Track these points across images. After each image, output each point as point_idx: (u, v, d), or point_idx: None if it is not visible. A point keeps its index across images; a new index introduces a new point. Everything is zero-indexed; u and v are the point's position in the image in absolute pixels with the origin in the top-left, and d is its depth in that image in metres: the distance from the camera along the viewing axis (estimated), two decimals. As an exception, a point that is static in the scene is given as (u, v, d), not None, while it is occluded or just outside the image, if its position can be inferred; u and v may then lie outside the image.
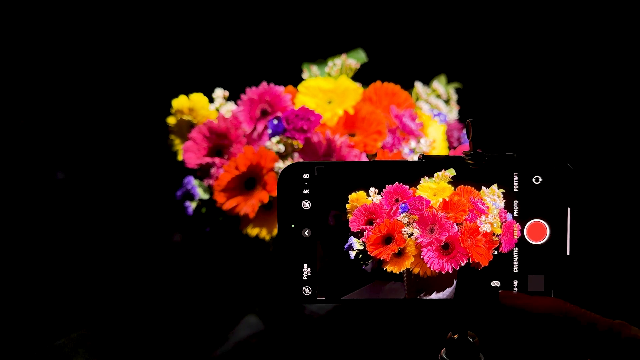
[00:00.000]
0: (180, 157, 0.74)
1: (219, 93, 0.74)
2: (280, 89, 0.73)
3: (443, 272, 0.45)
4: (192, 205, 0.71)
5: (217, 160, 0.71)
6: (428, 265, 0.45)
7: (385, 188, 0.45)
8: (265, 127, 0.72)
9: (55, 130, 0.90)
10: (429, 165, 0.46)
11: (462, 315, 0.48)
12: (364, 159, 0.70)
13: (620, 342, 0.40)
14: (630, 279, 0.85)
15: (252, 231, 0.70)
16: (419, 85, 0.80)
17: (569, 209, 0.45)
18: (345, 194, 0.46)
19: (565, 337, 0.42)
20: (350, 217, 0.45)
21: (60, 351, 0.71)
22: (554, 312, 0.42)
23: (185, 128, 0.75)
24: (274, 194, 0.68)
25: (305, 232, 0.46)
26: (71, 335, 0.73)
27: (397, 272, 0.45)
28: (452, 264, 0.45)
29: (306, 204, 0.46)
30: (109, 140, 0.93)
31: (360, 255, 0.45)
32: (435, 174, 0.45)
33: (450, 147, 0.78)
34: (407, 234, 0.45)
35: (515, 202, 0.45)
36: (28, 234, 0.85)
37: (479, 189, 0.45)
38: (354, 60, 0.77)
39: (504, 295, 0.44)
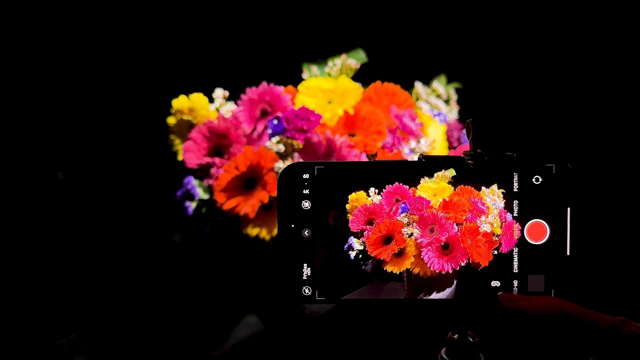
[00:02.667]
0: (180, 157, 0.74)
1: (219, 93, 0.74)
2: (280, 89, 0.73)
3: (443, 272, 0.45)
4: (192, 205, 0.71)
5: (217, 160, 0.71)
6: (428, 265, 0.45)
7: (385, 188, 0.45)
8: (265, 127, 0.72)
9: (55, 130, 0.90)
10: (429, 165, 0.46)
11: (462, 315, 0.48)
12: (364, 159, 0.70)
13: (621, 340, 0.40)
14: (630, 279, 0.85)
15: (252, 231, 0.70)
16: (419, 85, 0.80)
17: (569, 209, 0.45)
18: (345, 194, 0.46)
19: (567, 337, 0.41)
20: (350, 217, 0.45)
21: (59, 351, 0.71)
22: (554, 312, 0.42)
23: (185, 128, 0.75)
24: (274, 194, 0.68)
25: (305, 232, 0.46)
26: (71, 335, 0.73)
27: (397, 272, 0.45)
28: (452, 264, 0.45)
29: (306, 204, 0.46)
30: (109, 140, 0.93)
31: (360, 255, 0.45)
32: (435, 174, 0.45)
33: (450, 147, 0.78)
34: (407, 234, 0.45)
35: (515, 202, 0.45)
36: (28, 234, 0.85)
37: (479, 189, 0.45)
38: (354, 60, 0.77)
39: (503, 297, 0.44)
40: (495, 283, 0.45)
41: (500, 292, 0.45)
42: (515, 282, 0.45)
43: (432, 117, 0.77)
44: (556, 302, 0.42)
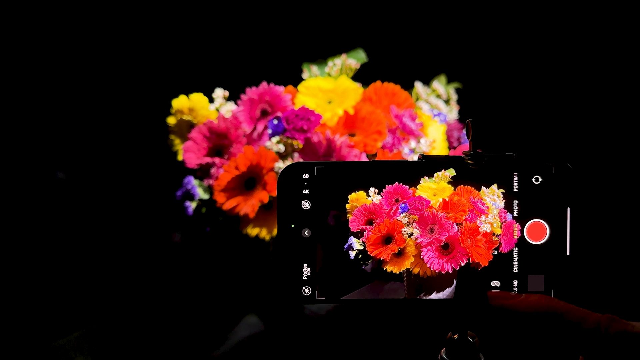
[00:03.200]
0: (180, 157, 0.74)
1: (219, 93, 0.74)
2: (280, 89, 0.73)
3: (443, 272, 0.45)
4: (192, 205, 0.71)
5: (217, 160, 0.71)
6: (428, 265, 0.45)
7: (385, 188, 0.45)
8: (265, 127, 0.72)
9: (55, 130, 0.90)
10: (428, 165, 0.46)
11: (462, 315, 0.48)
12: (364, 159, 0.70)
13: (609, 338, 0.40)
14: (629, 279, 0.85)
15: (252, 231, 0.70)
16: (419, 85, 0.81)
17: (568, 208, 0.45)
18: (345, 194, 0.46)
19: (555, 334, 0.41)
20: (350, 217, 0.45)
21: (60, 351, 0.71)
22: (541, 310, 0.42)
23: (185, 128, 0.75)
24: (274, 194, 0.68)
25: (305, 232, 0.46)
26: (71, 335, 0.73)
27: (397, 272, 0.45)
28: (452, 264, 0.45)
29: (306, 204, 0.46)
30: (109, 140, 0.93)
31: (360, 255, 0.45)
32: (435, 174, 0.45)
33: (450, 147, 0.78)
34: (407, 234, 0.45)
35: (515, 202, 0.45)
36: (28, 233, 0.85)
37: (479, 189, 0.45)
38: (354, 60, 0.77)
39: (492, 296, 0.44)
40: (495, 283, 0.45)
41: (489, 291, 0.45)
42: (515, 282, 0.45)
43: (432, 117, 0.77)
44: (544, 300, 0.42)
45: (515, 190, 0.45)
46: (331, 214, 0.46)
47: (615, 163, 0.92)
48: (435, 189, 0.45)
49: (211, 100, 0.74)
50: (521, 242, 0.45)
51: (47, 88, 0.90)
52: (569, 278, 0.45)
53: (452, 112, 0.82)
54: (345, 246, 0.45)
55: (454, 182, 0.45)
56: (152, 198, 0.91)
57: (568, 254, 0.45)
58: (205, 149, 0.72)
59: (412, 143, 0.73)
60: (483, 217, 0.45)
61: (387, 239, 0.45)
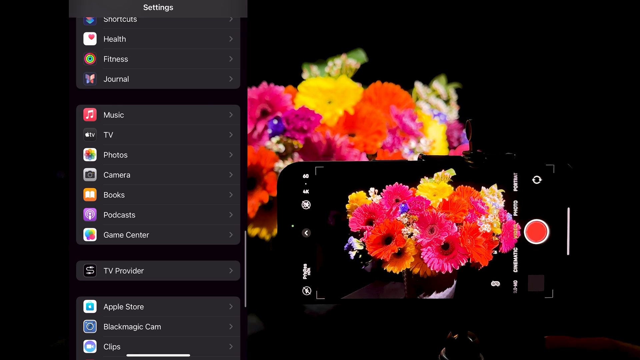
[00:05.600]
0: (180, 157, 0.74)
1: (219, 93, 0.74)
2: (280, 89, 0.73)
3: (443, 272, 0.45)
4: (192, 205, 0.71)
5: (217, 160, 0.71)
6: (428, 265, 0.45)
7: (385, 188, 0.45)
8: (265, 127, 0.72)
9: (55, 130, 0.90)
10: (428, 165, 0.46)
11: (462, 315, 0.48)
12: (364, 159, 0.70)
13: None
14: (630, 279, 0.85)
15: (252, 231, 0.70)
16: (419, 85, 0.81)
17: (568, 209, 0.45)
18: (345, 194, 0.46)
19: None
20: (350, 217, 0.45)
21: (60, 351, 0.71)
22: (606, 348, 0.43)
23: (185, 128, 0.75)
24: (274, 194, 0.68)
25: (305, 232, 0.46)
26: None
27: (397, 272, 0.45)
28: (452, 264, 0.45)
29: (306, 204, 0.46)
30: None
31: (360, 255, 0.45)
32: (435, 174, 0.45)
33: (450, 147, 0.78)
34: (407, 234, 0.45)
35: (515, 202, 0.45)
36: (28, 233, 0.85)
37: (479, 189, 0.45)
38: (354, 60, 0.77)
39: (550, 341, 0.45)
40: (495, 283, 0.45)
41: (547, 336, 0.45)
42: (515, 282, 0.45)
43: (432, 117, 0.77)
44: (608, 342, 0.44)
45: (515, 190, 0.45)
46: (331, 214, 0.46)
47: (615, 163, 0.92)
48: (435, 189, 0.45)
49: (211, 100, 0.74)
50: (521, 242, 0.45)
51: (48, 88, 0.90)
52: (569, 278, 0.45)
53: (452, 112, 0.82)
54: (345, 246, 0.45)
55: (454, 182, 0.45)
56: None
57: (568, 254, 0.45)
58: (205, 149, 0.72)
59: (412, 143, 0.73)
60: (483, 217, 0.45)
61: (387, 239, 0.45)
